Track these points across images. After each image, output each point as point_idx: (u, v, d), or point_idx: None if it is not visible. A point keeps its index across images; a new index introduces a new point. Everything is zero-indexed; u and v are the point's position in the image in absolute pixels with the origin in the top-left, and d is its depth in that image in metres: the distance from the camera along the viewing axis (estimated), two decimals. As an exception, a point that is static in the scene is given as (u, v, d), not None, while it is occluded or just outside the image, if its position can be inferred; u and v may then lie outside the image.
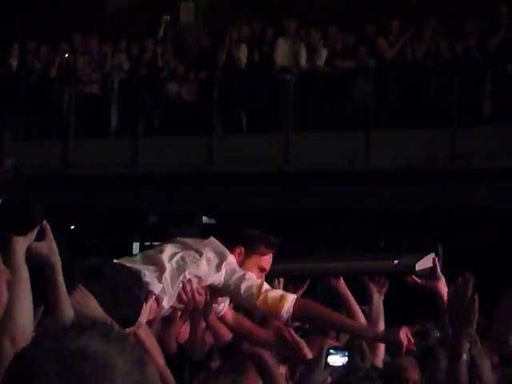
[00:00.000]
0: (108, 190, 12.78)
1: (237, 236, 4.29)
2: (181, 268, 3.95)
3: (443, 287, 4.13)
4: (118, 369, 1.47)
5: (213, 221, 13.73)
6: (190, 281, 3.95)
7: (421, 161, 11.64)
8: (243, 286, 3.96)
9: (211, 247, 4.10)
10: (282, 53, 12.93)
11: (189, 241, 4.15)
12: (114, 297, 3.62)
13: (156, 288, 3.85)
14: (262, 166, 12.05)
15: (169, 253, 4.01)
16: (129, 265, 3.92)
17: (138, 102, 13.22)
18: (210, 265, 4.01)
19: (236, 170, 12.19)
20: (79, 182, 12.74)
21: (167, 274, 3.90)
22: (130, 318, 3.63)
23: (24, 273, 2.72)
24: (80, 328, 1.51)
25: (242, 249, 4.20)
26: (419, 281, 4.17)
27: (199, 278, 3.99)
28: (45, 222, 2.89)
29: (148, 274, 3.85)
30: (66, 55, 13.95)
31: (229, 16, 14.13)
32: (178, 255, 3.98)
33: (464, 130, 11.53)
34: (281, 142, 12.34)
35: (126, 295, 3.70)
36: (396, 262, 4.38)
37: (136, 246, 14.00)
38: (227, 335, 4.24)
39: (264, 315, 4.18)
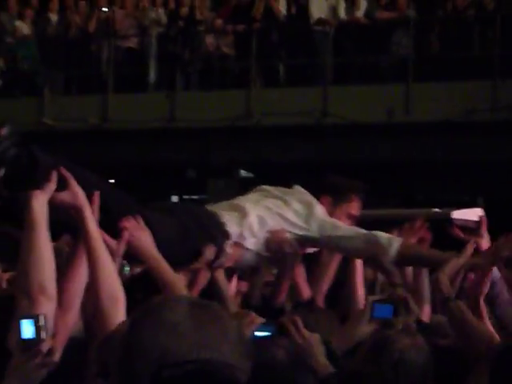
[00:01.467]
0: (146, 145, 12.85)
1: (322, 185, 4.16)
2: (265, 217, 3.87)
3: (485, 245, 3.97)
4: None
5: (251, 174, 13.75)
6: (278, 231, 3.86)
7: (461, 113, 11.53)
8: (341, 233, 3.88)
9: (297, 197, 4.01)
10: (319, 5, 12.79)
11: (274, 190, 4.07)
12: (183, 229, 3.57)
13: (234, 231, 3.78)
14: (300, 119, 12.02)
15: (253, 201, 3.97)
16: (209, 208, 3.89)
17: (175, 56, 13.21)
18: (297, 216, 3.93)
19: (274, 123, 12.17)
20: (118, 137, 12.83)
21: (250, 220, 3.84)
22: (198, 251, 3.58)
23: (42, 228, 2.66)
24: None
25: (329, 198, 4.07)
26: (461, 235, 4.03)
27: (285, 228, 3.90)
28: (63, 169, 2.82)
29: (228, 218, 3.80)
30: (105, 9, 13.95)
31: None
32: (264, 203, 3.92)
33: (506, 81, 11.39)
34: (319, 95, 12.29)
35: (198, 229, 3.63)
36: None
37: (175, 199, 14.09)
38: (307, 292, 4.13)
39: (370, 256, 3.96)
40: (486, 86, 11.52)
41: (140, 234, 3.25)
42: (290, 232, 3.90)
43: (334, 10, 12.75)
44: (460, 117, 11.51)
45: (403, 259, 3.89)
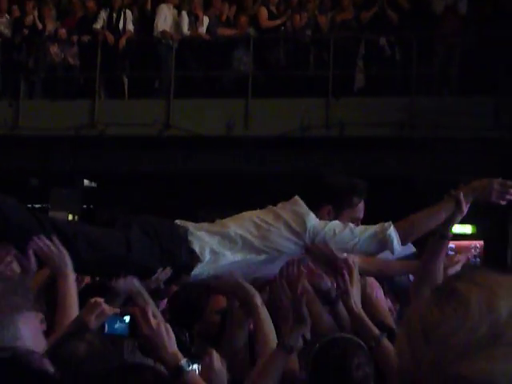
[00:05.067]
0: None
1: (319, 194, 3.76)
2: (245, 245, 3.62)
3: None
4: None
5: (94, 184, 13.89)
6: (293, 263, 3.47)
7: (297, 128, 12.10)
8: (336, 233, 3.59)
9: (291, 209, 3.68)
10: (164, 18, 13.10)
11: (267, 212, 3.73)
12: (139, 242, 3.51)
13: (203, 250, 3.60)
14: (143, 130, 12.29)
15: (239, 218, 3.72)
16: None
17: (19, 65, 13.20)
18: (289, 230, 3.63)
19: (117, 134, 12.38)
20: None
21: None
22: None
23: None
24: None
25: (330, 207, 3.71)
26: None
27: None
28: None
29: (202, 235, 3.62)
30: None
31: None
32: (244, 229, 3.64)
33: (338, 100, 12.06)
34: (162, 107, 12.59)
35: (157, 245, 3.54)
36: None
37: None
38: None
39: (375, 251, 3.71)
40: (320, 104, 12.17)
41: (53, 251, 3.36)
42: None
43: (177, 24, 13.10)
44: (296, 132, 12.10)
45: (407, 235, 3.66)
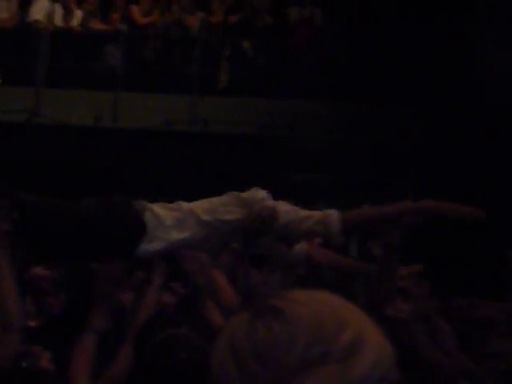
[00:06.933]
0: None
1: None
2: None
3: None
4: None
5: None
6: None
7: (163, 123, 12.60)
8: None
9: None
10: (38, 8, 13.31)
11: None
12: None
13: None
14: (10, 117, 12.45)
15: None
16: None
17: None
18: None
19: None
20: None
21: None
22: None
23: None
24: None
25: None
26: None
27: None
28: None
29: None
30: None
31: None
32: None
33: (203, 98, 12.66)
34: (32, 95, 12.84)
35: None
36: None
37: None
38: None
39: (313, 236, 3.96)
40: (185, 101, 12.73)
41: None
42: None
43: (50, 15, 13.35)
44: (162, 127, 12.61)
45: (349, 226, 3.85)
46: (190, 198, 3.97)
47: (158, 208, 3.73)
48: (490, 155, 11.24)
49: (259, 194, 3.82)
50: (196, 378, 2.72)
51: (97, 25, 13.60)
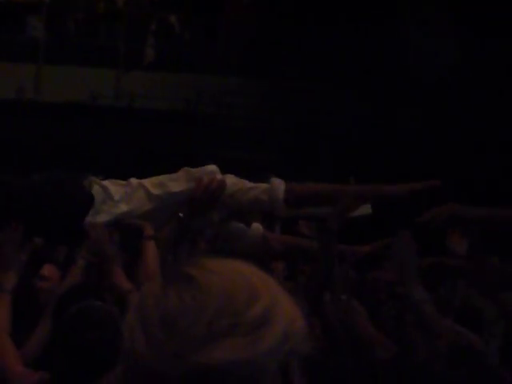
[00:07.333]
0: None
1: None
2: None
3: None
4: None
5: None
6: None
7: (88, 97, 12.44)
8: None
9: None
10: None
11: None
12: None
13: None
14: None
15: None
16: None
17: None
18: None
19: None
20: None
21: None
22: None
23: None
24: None
25: None
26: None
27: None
28: None
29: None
30: None
31: None
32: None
33: (128, 72, 12.52)
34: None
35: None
36: None
37: None
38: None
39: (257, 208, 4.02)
40: (110, 75, 12.58)
41: None
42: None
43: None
44: (86, 100, 12.43)
45: (293, 198, 3.89)
46: (114, 174, 4.03)
47: (108, 183, 3.83)
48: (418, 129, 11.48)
49: (208, 168, 3.94)
50: (107, 356, 2.73)
51: (18, -4, 13.28)
